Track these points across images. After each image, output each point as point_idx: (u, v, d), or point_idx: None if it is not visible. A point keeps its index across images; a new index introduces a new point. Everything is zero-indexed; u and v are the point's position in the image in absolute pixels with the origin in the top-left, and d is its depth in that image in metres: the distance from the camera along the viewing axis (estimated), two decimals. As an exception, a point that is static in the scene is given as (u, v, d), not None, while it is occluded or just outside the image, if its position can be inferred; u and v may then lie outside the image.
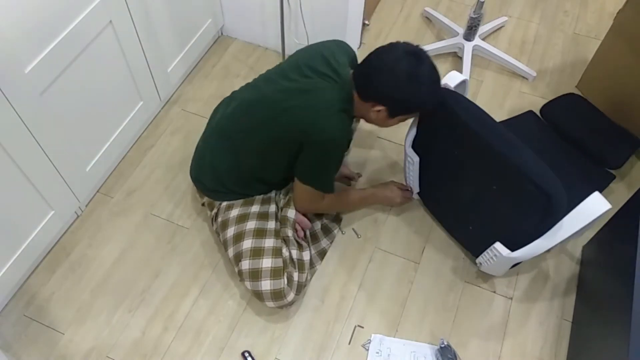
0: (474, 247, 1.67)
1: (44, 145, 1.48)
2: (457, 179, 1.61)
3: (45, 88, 1.42)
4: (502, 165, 1.40)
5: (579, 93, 2.20)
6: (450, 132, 1.52)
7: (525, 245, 1.44)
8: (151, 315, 1.60)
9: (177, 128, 2.04)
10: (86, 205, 1.83)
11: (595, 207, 1.36)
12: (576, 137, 1.94)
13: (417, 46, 1.36)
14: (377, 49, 1.37)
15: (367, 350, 1.56)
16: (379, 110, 1.40)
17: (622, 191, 1.91)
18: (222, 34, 2.38)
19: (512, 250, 1.47)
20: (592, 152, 1.90)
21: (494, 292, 1.68)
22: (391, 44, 1.37)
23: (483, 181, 1.50)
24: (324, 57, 1.47)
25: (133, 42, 1.71)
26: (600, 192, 1.81)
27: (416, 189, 1.78)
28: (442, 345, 1.52)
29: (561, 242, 1.47)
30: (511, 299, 1.66)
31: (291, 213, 1.61)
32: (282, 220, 1.60)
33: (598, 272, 1.57)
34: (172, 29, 1.92)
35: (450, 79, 1.58)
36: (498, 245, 1.49)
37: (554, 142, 1.96)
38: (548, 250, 1.52)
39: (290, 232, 1.59)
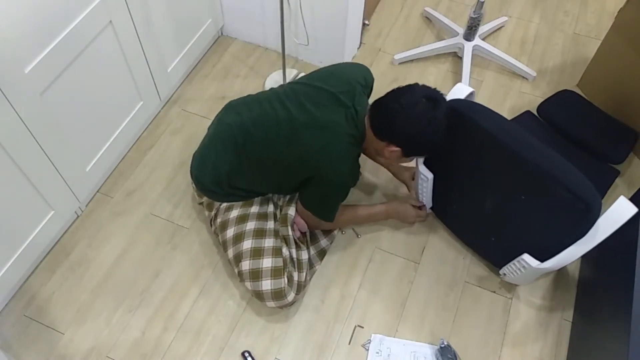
0: (497, 258, 1.65)
1: (44, 145, 1.48)
2: (478, 191, 1.58)
3: (45, 88, 1.42)
4: (531, 173, 1.38)
5: (579, 92, 2.20)
6: (469, 143, 1.51)
7: (556, 255, 1.41)
8: (151, 315, 1.60)
9: (177, 128, 2.04)
10: (86, 205, 1.83)
11: (623, 211, 1.34)
12: (576, 134, 1.94)
13: (435, 89, 1.40)
14: (395, 90, 1.41)
15: (367, 350, 1.56)
16: (393, 151, 1.43)
17: (622, 191, 1.90)
18: (222, 34, 2.38)
19: (541, 260, 1.45)
20: (593, 148, 1.90)
21: (494, 292, 1.68)
22: (410, 86, 1.40)
23: (508, 191, 1.47)
24: (348, 84, 1.49)
25: (133, 42, 1.71)
26: (607, 188, 1.82)
27: (429, 204, 1.76)
28: (442, 345, 1.52)
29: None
30: (511, 299, 1.66)
31: (292, 211, 1.61)
32: (282, 220, 1.60)
33: (598, 272, 1.57)
34: (172, 29, 1.92)
35: (458, 92, 1.56)
36: (526, 257, 1.46)
37: (555, 140, 1.96)
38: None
39: (290, 232, 1.59)
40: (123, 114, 1.82)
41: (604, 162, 1.90)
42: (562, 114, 2.01)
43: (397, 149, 1.42)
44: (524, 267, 1.49)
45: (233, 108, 1.59)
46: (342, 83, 1.50)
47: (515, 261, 1.52)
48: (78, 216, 1.80)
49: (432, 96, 1.38)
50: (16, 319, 1.59)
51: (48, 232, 1.64)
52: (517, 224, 1.52)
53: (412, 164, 1.70)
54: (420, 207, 1.77)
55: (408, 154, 1.46)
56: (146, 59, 1.81)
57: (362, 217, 1.74)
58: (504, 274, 1.62)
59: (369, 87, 1.58)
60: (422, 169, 1.64)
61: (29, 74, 1.34)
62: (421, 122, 1.36)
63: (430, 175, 1.63)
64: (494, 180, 1.51)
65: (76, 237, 1.76)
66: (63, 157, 1.57)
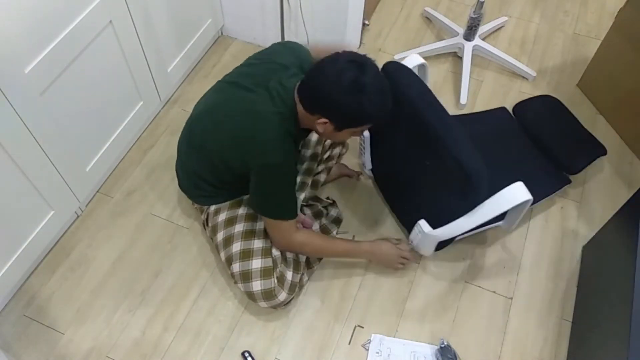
0: (408, 224, 1.67)
1: (44, 145, 1.48)
2: (400, 154, 1.60)
3: (45, 88, 1.42)
4: (435, 141, 1.40)
5: (580, 92, 2.20)
6: (396, 107, 1.48)
7: (447, 224, 1.47)
8: (151, 315, 1.60)
9: (178, 128, 2.03)
10: (86, 205, 1.83)
11: (516, 195, 1.39)
12: (541, 137, 1.94)
13: (364, 55, 1.29)
14: (321, 59, 1.30)
15: (367, 350, 1.56)
16: (323, 124, 1.32)
17: (622, 191, 1.91)
18: (222, 34, 2.38)
19: (434, 228, 1.50)
20: (553, 154, 1.89)
21: (494, 292, 1.68)
22: (336, 54, 1.29)
23: (417, 156, 1.51)
24: (276, 65, 1.42)
25: (133, 42, 1.70)
26: (552, 192, 1.83)
27: (368, 165, 1.77)
28: (442, 345, 1.52)
29: (483, 228, 1.53)
30: (511, 299, 1.66)
31: None
32: None
33: (598, 272, 1.57)
34: (172, 29, 1.92)
35: (409, 61, 1.57)
36: (422, 222, 1.52)
37: (519, 139, 1.95)
38: (470, 232, 1.58)
39: None
40: (123, 114, 1.82)
41: (559, 169, 1.88)
42: (535, 115, 2.01)
43: (327, 120, 1.31)
44: (420, 232, 1.53)
45: (197, 102, 1.58)
46: (273, 63, 1.43)
47: (415, 226, 1.56)
48: (78, 216, 1.80)
49: (358, 60, 1.26)
50: (16, 319, 1.59)
51: (48, 232, 1.64)
52: (420, 191, 1.57)
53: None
54: (405, 253, 1.65)
55: (340, 126, 1.32)
56: (146, 59, 1.81)
57: (341, 251, 1.62)
58: (411, 241, 1.64)
59: (301, 67, 1.46)
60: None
61: (29, 74, 1.34)
62: (344, 89, 1.24)
63: (367, 133, 1.64)
64: (410, 145, 1.54)
65: (76, 237, 1.76)
66: (63, 157, 1.57)
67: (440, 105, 1.43)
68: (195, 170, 1.56)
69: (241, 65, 1.51)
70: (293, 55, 1.47)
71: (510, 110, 2.07)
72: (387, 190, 1.80)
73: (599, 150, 1.92)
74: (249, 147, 1.35)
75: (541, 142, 1.92)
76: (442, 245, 1.63)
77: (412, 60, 1.58)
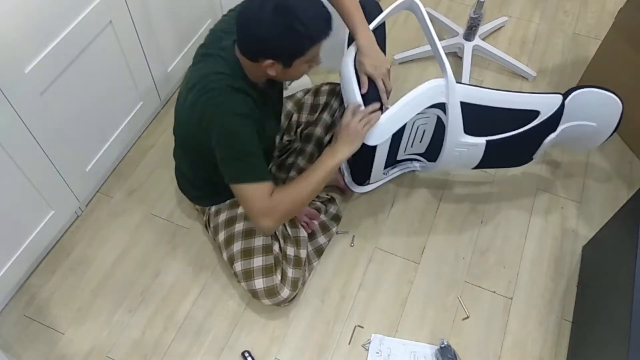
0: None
1: (44, 145, 1.48)
2: None
3: (45, 88, 1.42)
4: None
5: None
6: None
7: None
8: (151, 315, 1.60)
9: (177, 128, 2.04)
10: (86, 205, 1.83)
11: (431, 82, 1.43)
12: None
13: None
14: (247, 3, 1.23)
15: (367, 350, 1.56)
16: (271, 65, 1.23)
17: (622, 191, 1.91)
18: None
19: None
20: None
21: (494, 292, 1.68)
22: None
23: None
24: (216, 35, 1.37)
25: (133, 42, 1.70)
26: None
27: (351, 184, 1.76)
28: (442, 345, 1.52)
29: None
30: (511, 299, 1.66)
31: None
32: (289, 223, 1.62)
33: (598, 272, 1.57)
34: (172, 29, 1.92)
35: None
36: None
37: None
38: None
39: (289, 230, 1.59)
40: (123, 114, 1.82)
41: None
42: None
43: (272, 61, 1.22)
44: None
45: None
46: (217, 32, 1.39)
47: None
48: (78, 216, 1.80)
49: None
50: (16, 319, 1.59)
51: (48, 232, 1.64)
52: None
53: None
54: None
55: (286, 62, 1.23)
56: (146, 59, 1.81)
57: (314, 181, 1.38)
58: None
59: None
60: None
61: (29, 74, 1.34)
62: (272, 20, 1.16)
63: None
64: None
65: (76, 237, 1.75)
66: (63, 157, 1.57)
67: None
68: (184, 171, 1.57)
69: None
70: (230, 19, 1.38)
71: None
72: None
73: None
74: (202, 112, 1.29)
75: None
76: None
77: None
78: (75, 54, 1.48)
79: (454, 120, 1.49)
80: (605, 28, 2.04)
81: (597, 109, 1.60)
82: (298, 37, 1.19)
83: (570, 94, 1.56)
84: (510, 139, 1.57)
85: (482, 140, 1.55)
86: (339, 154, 1.40)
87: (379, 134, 1.46)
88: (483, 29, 2.34)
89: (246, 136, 1.29)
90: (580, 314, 1.58)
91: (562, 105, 1.55)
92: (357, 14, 1.48)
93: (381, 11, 1.57)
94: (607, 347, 1.30)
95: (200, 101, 1.29)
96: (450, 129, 1.51)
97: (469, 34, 2.21)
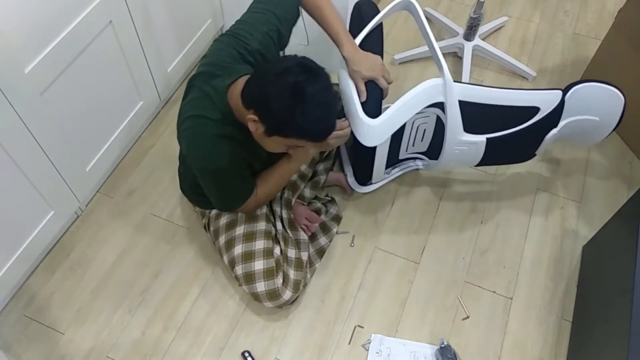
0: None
1: (44, 145, 1.48)
2: None
3: (45, 88, 1.42)
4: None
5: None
6: None
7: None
8: (151, 315, 1.60)
9: (177, 128, 2.04)
10: (86, 205, 1.83)
11: (428, 82, 1.45)
12: None
13: (319, 66, 1.19)
14: (286, 58, 1.24)
15: (367, 350, 1.56)
16: (254, 121, 1.19)
17: (622, 191, 1.91)
18: (222, 33, 2.38)
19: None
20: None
21: (494, 292, 1.68)
22: (289, 55, 1.23)
23: None
24: (210, 68, 1.33)
25: (133, 42, 1.70)
26: (514, 161, 1.77)
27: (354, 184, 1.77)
28: (442, 345, 1.52)
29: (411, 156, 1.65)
30: (511, 299, 1.66)
31: (285, 213, 1.63)
32: (289, 226, 1.63)
33: (598, 272, 1.57)
34: (172, 29, 1.92)
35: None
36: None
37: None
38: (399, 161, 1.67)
39: (289, 233, 1.60)
40: (123, 114, 1.82)
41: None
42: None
43: (256, 118, 1.18)
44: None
45: None
46: (213, 61, 1.34)
47: None
48: (78, 216, 1.80)
49: (310, 66, 1.17)
50: (16, 319, 1.59)
51: (48, 232, 1.64)
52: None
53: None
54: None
55: (268, 129, 1.18)
56: (146, 59, 1.81)
57: (284, 166, 1.44)
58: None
59: (252, 52, 1.36)
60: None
61: (29, 74, 1.34)
62: (283, 90, 1.13)
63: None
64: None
65: (76, 237, 1.76)
66: (63, 157, 1.57)
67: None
68: (186, 174, 1.59)
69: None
70: (230, 46, 1.37)
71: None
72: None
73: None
74: (187, 151, 1.34)
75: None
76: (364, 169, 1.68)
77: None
78: (75, 54, 1.48)
79: (453, 119, 1.49)
80: (605, 28, 2.04)
81: (598, 103, 1.60)
82: (291, 121, 1.15)
83: (570, 89, 1.57)
84: (511, 136, 1.57)
85: (482, 138, 1.55)
86: (300, 155, 1.43)
87: (378, 135, 1.46)
88: (483, 29, 2.34)
89: (228, 176, 1.34)
90: (580, 314, 1.58)
91: (563, 101, 1.55)
92: (337, 24, 1.46)
93: (378, 12, 1.57)
94: (607, 347, 1.30)
95: (185, 141, 1.32)
96: (450, 128, 1.51)
97: (469, 34, 2.21)
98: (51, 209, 1.61)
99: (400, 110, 1.46)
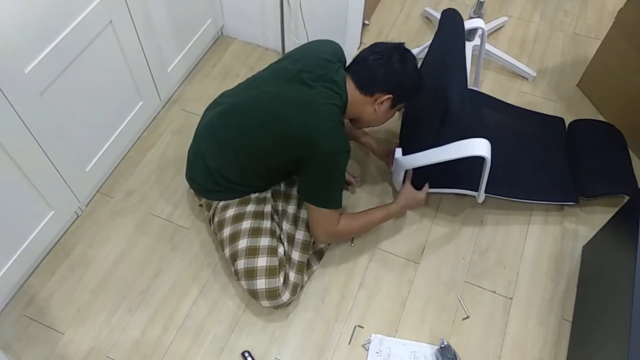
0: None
1: (44, 145, 1.48)
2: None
3: (45, 88, 1.42)
4: (437, 69, 1.60)
5: (580, 92, 2.20)
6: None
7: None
8: (151, 315, 1.60)
9: (177, 128, 2.04)
10: (86, 205, 1.83)
11: (474, 147, 1.50)
12: (578, 153, 1.89)
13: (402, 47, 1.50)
14: (365, 48, 1.51)
15: (367, 350, 1.56)
16: (383, 101, 1.47)
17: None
18: (222, 34, 2.38)
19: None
20: (578, 170, 1.85)
21: (494, 292, 1.68)
22: (375, 43, 1.52)
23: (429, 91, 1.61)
24: (322, 61, 1.49)
25: (133, 42, 1.71)
26: (551, 201, 1.83)
27: (398, 187, 1.79)
28: (442, 345, 1.52)
29: (454, 190, 1.71)
30: (511, 299, 1.66)
31: (303, 214, 1.64)
32: (292, 221, 1.63)
33: (598, 272, 1.57)
34: (172, 29, 1.92)
35: (468, 23, 1.77)
36: (398, 149, 1.68)
37: (558, 150, 1.93)
38: (441, 187, 1.72)
39: (298, 234, 1.60)
40: (123, 114, 1.82)
41: (575, 186, 1.83)
42: (586, 134, 1.95)
43: (388, 95, 1.47)
44: (394, 159, 1.70)
45: (221, 97, 1.64)
46: (317, 59, 1.50)
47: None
48: (78, 216, 1.80)
49: (401, 47, 1.49)
50: (16, 319, 1.59)
51: (48, 232, 1.64)
52: (419, 122, 1.71)
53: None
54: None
55: (397, 100, 1.49)
56: (146, 59, 1.81)
57: (378, 219, 1.66)
58: (392, 172, 1.77)
59: (341, 61, 1.57)
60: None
61: (29, 74, 1.34)
62: (400, 64, 1.45)
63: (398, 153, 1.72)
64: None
65: (76, 237, 1.76)
66: (63, 157, 1.57)
67: (463, 55, 1.60)
68: (216, 165, 1.55)
69: (279, 60, 1.58)
70: (331, 46, 1.57)
71: (567, 123, 2.04)
72: (402, 129, 1.92)
73: (625, 188, 1.82)
74: (308, 135, 1.39)
75: (575, 157, 1.88)
76: (418, 185, 1.72)
77: (470, 23, 1.82)
78: (75, 54, 1.48)
79: None
80: (605, 28, 2.04)
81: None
82: (417, 86, 1.50)
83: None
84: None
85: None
86: (400, 214, 1.77)
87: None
88: (483, 29, 2.34)
89: (344, 170, 1.48)
90: (580, 314, 1.58)
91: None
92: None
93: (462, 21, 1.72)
94: (607, 347, 1.30)
95: (312, 125, 1.39)
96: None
97: (469, 34, 2.21)
98: (51, 209, 1.61)
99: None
